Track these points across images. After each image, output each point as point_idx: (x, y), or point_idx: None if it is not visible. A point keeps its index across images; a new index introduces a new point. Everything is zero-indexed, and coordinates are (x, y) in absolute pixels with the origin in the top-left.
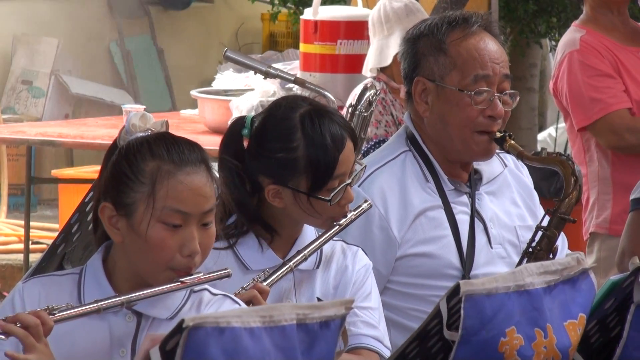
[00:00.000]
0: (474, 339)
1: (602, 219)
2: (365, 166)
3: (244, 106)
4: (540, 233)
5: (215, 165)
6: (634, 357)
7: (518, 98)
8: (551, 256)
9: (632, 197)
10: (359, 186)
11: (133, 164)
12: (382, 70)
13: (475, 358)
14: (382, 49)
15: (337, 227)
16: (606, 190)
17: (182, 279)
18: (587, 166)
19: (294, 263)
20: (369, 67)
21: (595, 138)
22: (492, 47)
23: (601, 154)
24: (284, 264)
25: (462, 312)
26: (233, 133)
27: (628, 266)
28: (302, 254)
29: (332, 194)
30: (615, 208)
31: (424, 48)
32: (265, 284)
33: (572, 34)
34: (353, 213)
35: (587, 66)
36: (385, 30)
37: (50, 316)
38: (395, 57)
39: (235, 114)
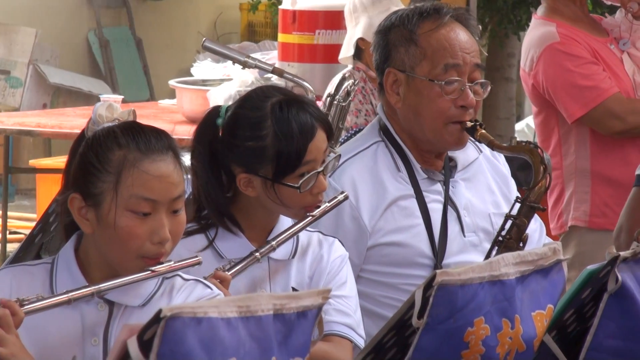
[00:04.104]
0: (440, 327)
1: (582, 211)
2: (340, 155)
3: (221, 96)
4: (510, 222)
5: (188, 155)
6: (605, 345)
7: (489, 87)
8: (521, 245)
9: (637, 172)
10: (329, 176)
11: (100, 154)
12: (359, 59)
13: (439, 346)
14: (351, 38)
15: (310, 217)
16: (585, 183)
17: (153, 268)
18: (563, 159)
19: (259, 253)
20: (339, 58)
21: (594, 126)
22: (462, 37)
23: (580, 146)
24: (250, 254)
25: (431, 300)
26: (207, 122)
27: (623, 243)
28: (269, 244)
29: (301, 182)
30: (595, 201)
31: (395, 39)
32: (229, 273)
33: (544, 27)
34: (327, 204)
35: (572, 56)
36: (353, 20)
37: (21, 307)
38: (369, 47)
39: (213, 104)
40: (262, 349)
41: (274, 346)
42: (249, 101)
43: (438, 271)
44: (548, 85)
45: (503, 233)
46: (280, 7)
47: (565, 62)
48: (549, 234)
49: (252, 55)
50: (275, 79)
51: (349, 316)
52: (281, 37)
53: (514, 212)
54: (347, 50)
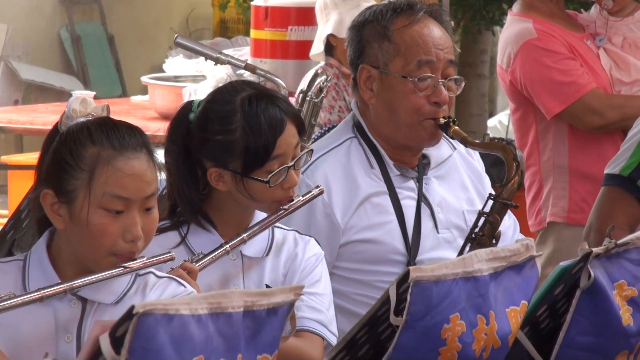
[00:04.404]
0: (418, 325)
1: (560, 208)
2: (312, 150)
3: (195, 92)
4: (483, 219)
5: (161, 151)
6: (577, 341)
7: (463, 84)
8: (494, 242)
9: (606, 171)
10: (302, 173)
11: (73, 151)
12: (331, 55)
13: (418, 343)
14: (321, 35)
15: (283, 211)
16: (563, 179)
17: (125, 264)
18: (541, 155)
19: (230, 245)
20: (310, 54)
21: (573, 122)
22: (436, 33)
23: (558, 142)
24: (220, 246)
25: (408, 297)
26: (180, 118)
27: (593, 242)
28: (240, 237)
29: (270, 176)
30: (573, 197)
31: (369, 35)
32: (198, 265)
33: (521, 24)
34: (301, 198)
35: (550, 52)
36: (324, 16)
37: None
38: (341, 43)
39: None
40: (228, 345)
41: (242, 343)
42: (219, 95)
43: (411, 267)
44: (526, 82)
45: (476, 230)
46: (252, 3)
47: (543, 58)
48: (527, 230)
49: (225, 51)
50: (247, 75)
51: (321, 313)
52: (253, 33)
53: (487, 209)
54: (317, 47)
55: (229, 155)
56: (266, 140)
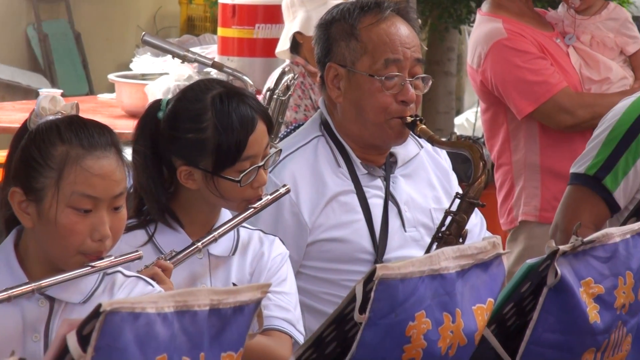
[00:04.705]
0: (382, 322)
1: (532, 206)
2: (280, 150)
3: (159, 90)
4: (449, 218)
5: (129, 149)
6: (544, 339)
7: (430, 82)
8: (461, 240)
9: (571, 170)
10: (270, 171)
11: (42, 149)
12: (297, 53)
13: (382, 340)
14: (287, 32)
15: (252, 210)
16: (534, 178)
17: (93, 263)
18: (512, 155)
19: (202, 243)
20: (276, 51)
21: (544, 121)
22: (403, 32)
23: (529, 141)
24: (192, 244)
25: (372, 294)
26: (149, 116)
27: (559, 241)
28: (211, 235)
29: (241, 175)
30: (545, 195)
31: (336, 33)
32: (171, 261)
33: (490, 24)
34: (269, 197)
35: (520, 52)
36: (291, 14)
37: None
38: (308, 41)
39: (151, 99)
40: (192, 343)
41: (205, 341)
42: (190, 93)
43: (378, 265)
44: (497, 82)
45: (443, 229)
46: (219, 1)
47: (514, 58)
48: (497, 228)
49: (192, 49)
50: (214, 73)
51: (288, 312)
52: (221, 31)
53: (454, 208)
54: (283, 44)
55: (199, 154)
56: (238, 138)
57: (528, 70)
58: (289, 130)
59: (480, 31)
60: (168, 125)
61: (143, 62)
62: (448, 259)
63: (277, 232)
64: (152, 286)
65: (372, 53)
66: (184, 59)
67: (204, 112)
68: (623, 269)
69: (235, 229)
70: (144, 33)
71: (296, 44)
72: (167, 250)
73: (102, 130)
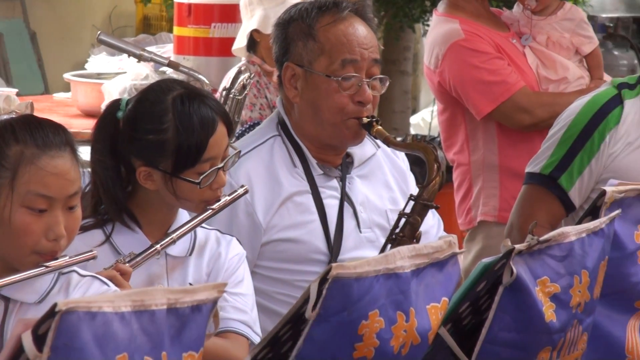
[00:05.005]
0: (333, 319)
1: (491, 206)
2: (240, 151)
3: (115, 89)
4: (403, 219)
5: (85, 149)
6: (499, 338)
7: (388, 83)
8: (414, 242)
9: (527, 170)
10: None
11: None
12: (254, 52)
13: (332, 337)
14: (245, 30)
15: (210, 211)
16: (493, 178)
17: (47, 263)
18: (471, 155)
19: (160, 245)
20: (232, 49)
21: (503, 121)
22: (361, 33)
23: (488, 141)
24: (150, 246)
25: (324, 292)
26: (108, 116)
27: (514, 241)
28: (170, 237)
29: (201, 177)
30: (504, 195)
31: (294, 33)
32: (129, 265)
33: (447, 24)
34: (227, 197)
35: (477, 52)
36: (249, 12)
37: None
38: (266, 39)
39: (107, 98)
40: (153, 343)
41: (166, 341)
42: (150, 94)
43: (334, 264)
44: (455, 83)
45: (397, 231)
46: (175, 0)
47: (471, 58)
48: (454, 228)
49: (148, 48)
50: (171, 73)
51: (245, 313)
52: (176, 30)
53: (408, 209)
54: (240, 42)
55: (159, 155)
56: (198, 140)
57: (486, 70)
58: (244, 128)
59: (438, 32)
60: (128, 126)
61: (99, 61)
62: (404, 258)
63: (232, 232)
64: (108, 285)
65: (330, 53)
66: (140, 58)
67: (164, 114)
68: (579, 268)
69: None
70: (99, 32)
71: (253, 42)
72: (124, 250)
73: (57, 129)
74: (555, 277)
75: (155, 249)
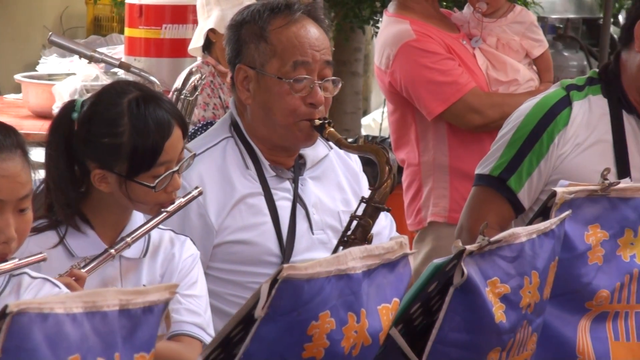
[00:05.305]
0: (282, 319)
1: (441, 207)
2: (195, 154)
3: (66, 91)
4: (355, 222)
5: (36, 150)
6: (449, 338)
7: (340, 84)
8: (366, 244)
9: (476, 172)
10: None
11: None
12: (209, 52)
13: (280, 337)
14: (202, 30)
15: (165, 214)
16: (443, 179)
17: None
18: (421, 156)
19: (115, 250)
20: (188, 48)
21: (454, 121)
22: (313, 34)
23: (438, 142)
24: (105, 251)
25: (273, 292)
26: (63, 117)
27: (464, 242)
28: (124, 241)
29: (156, 181)
30: (454, 196)
31: (246, 35)
32: (84, 270)
33: (398, 25)
34: (181, 199)
35: (428, 52)
36: (205, 12)
37: None
38: (221, 40)
39: (58, 99)
40: (105, 344)
41: (118, 342)
42: (105, 97)
43: (285, 265)
44: (406, 84)
45: (348, 233)
46: (126, 1)
47: (422, 59)
48: (405, 230)
49: (99, 49)
50: (122, 74)
51: (199, 316)
52: (128, 31)
53: (359, 212)
54: (196, 41)
55: (114, 158)
56: (154, 143)
57: (437, 71)
58: (197, 128)
59: (388, 32)
60: (83, 128)
61: (50, 62)
62: (355, 259)
63: (184, 233)
64: (59, 287)
65: (281, 55)
66: (91, 59)
67: (120, 117)
68: (529, 269)
69: None
70: (50, 33)
71: (208, 43)
72: (78, 252)
73: (8, 131)
74: (505, 278)
75: (110, 254)
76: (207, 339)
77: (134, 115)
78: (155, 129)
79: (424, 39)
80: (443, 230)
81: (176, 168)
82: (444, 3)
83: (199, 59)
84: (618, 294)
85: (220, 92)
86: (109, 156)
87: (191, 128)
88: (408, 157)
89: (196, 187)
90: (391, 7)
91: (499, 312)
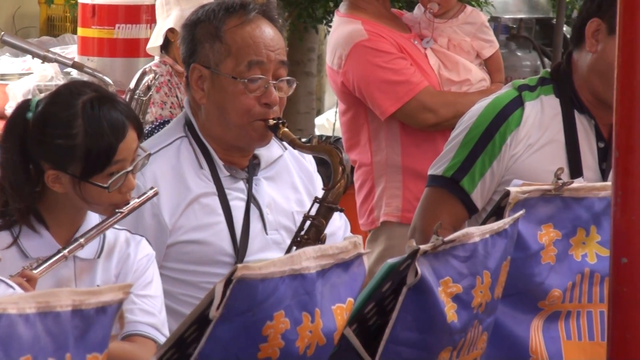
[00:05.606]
0: (237, 319)
1: (394, 207)
2: (149, 154)
3: (20, 91)
4: (308, 222)
5: None
6: (402, 337)
7: (295, 84)
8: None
9: (429, 172)
10: None
11: None
12: (167, 52)
13: (235, 337)
14: (160, 29)
15: (119, 214)
16: (396, 179)
17: None
18: (373, 155)
19: (68, 251)
20: (147, 47)
21: (407, 120)
22: (268, 34)
23: (391, 141)
24: (58, 252)
25: (228, 292)
26: (18, 116)
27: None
28: (78, 242)
29: (110, 181)
30: (407, 196)
31: (201, 34)
32: (37, 271)
33: (350, 25)
34: (136, 200)
35: (381, 52)
36: (165, 11)
37: None
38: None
39: (12, 99)
40: (57, 344)
41: (70, 342)
42: (60, 98)
43: (239, 265)
44: (359, 84)
45: (302, 233)
46: (80, 0)
47: (375, 59)
48: (358, 229)
49: (52, 49)
50: (75, 74)
51: (153, 316)
52: (81, 31)
53: (313, 212)
54: (155, 41)
55: (68, 159)
56: (108, 145)
57: (390, 70)
58: (154, 126)
59: (340, 33)
60: (37, 129)
61: (3, 62)
62: (309, 258)
63: (138, 232)
64: (13, 288)
65: (236, 55)
66: (44, 59)
67: (74, 118)
68: (481, 269)
69: None
70: (2, 33)
71: (167, 42)
72: (31, 252)
73: None
74: (457, 278)
75: (63, 255)
76: (162, 339)
77: (88, 116)
78: (109, 131)
79: (376, 38)
80: (396, 230)
81: (130, 168)
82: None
83: (156, 59)
84: (570, 294)
85: (178, 92)
86: (62, 157)
87: (147, 127)
88: (360, 157)
89: (151, 188)
90: (342, 8)
91: (450, 311)
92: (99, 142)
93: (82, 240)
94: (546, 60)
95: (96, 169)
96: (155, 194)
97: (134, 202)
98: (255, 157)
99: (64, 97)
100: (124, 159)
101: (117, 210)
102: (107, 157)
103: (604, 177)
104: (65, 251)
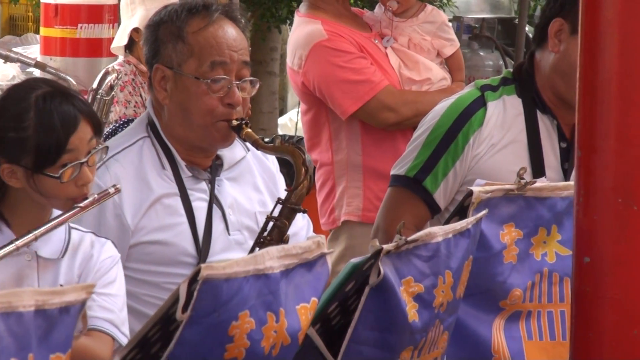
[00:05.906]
0: (204, 321)
1: (355, 207)
2: (107, 147)
3: None
4: (271, 223)
5: None
6: (364, 336)
7: (258, 85)
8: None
9: (392, 172)
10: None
11: None
12: (131, 51)
13: (203, 339)
14: (125, 28)
15: (77, 209)
16: (357, 178)
17: None
18: (334, 155)
19: (21, 241)
20: (111, 47)
21: (368, 120)
22: (230, 35)
23: (352, 141)
24: (10, 242)
25: (195, 294)
26: None
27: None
28: (32, 233)
29: (61, 171)
30: (367, 195)
31: (164, 35)
32: None
33: (310, 25)
34: (96, 196)
35: (341, 52)
36: (129, 11)
37: None
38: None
39: None
40: (19, 345)
41: (33, 342)
42: (14, 92)
43: (203, 265)
44: (319, 84)
45: (264, 234)
46: (42, 0)
47: (335, 58)
48: (319, 229)
49: (14, 49)
50: (38, 73)
51: (112, 313)
52: (43, 30)
53: (276, 213)
54: (120, 40)
55: (21, 152)
56: (58, 137)
57: (350, 69)
58: (117, 125)
59: (300, 33)
60: None
61: None
62: (273, 258)
63: (100, 233)
64: None
65: (199, 56)
66: (6, 59)
67: (26, 111)
68: (443, 268)
69: (67, 232)
70: None
71: (131, 42)
72: None
73: None
74: (419, 277)
75: (16, 245)
76: (120, 336)
77: (39, 109)
78: (60, 124)
79: (335, 38)
80: (357, 229)
81: (84, 160)
82: (359, 2)
83: (121, 58)
84: (530, 293)
85: (142, 91)
86: (15, 150)
87: (112, 125)
88: (321, 157)
89: (114, 185)
90: (302, 8)
91: (412, 311)
92: (49, 135)
93: (36, 232)
94: (508, 60)
95: (47, 161)
96: (118, 191)
97: (92, 197)
98: (218, 157)
99: (18, 92)
100: (76, 149)
101: (75, 205)
102: (57, 149)
103: (566, 177)
104: (18, 242)
